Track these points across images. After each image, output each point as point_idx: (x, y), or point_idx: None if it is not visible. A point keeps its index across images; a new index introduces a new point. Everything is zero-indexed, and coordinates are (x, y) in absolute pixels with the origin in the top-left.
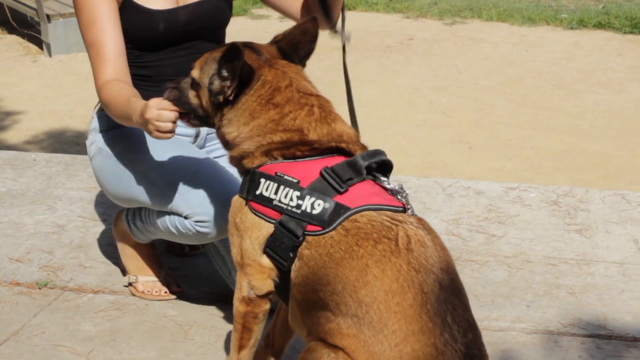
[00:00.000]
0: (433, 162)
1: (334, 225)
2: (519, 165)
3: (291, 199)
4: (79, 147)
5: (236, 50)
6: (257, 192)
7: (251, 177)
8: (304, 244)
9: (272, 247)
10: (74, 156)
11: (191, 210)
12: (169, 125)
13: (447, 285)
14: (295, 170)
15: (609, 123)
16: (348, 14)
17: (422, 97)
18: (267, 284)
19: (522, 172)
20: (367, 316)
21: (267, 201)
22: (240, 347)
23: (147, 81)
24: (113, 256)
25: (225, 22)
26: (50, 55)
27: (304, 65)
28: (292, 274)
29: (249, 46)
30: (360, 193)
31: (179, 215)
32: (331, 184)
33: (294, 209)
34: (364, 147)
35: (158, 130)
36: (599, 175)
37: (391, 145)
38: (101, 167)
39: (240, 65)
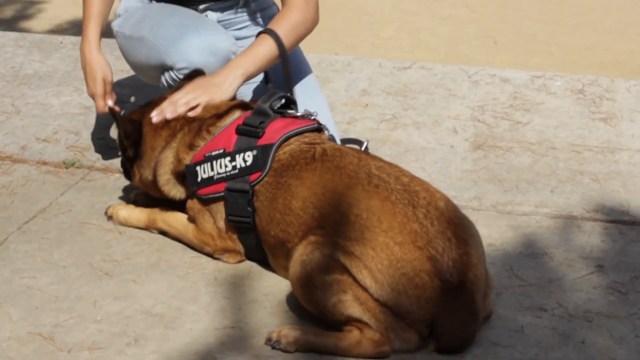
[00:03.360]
0: (457, 56)
1: (269, 163)
2: (543, 60)
3: (226, 166)
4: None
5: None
6: (199, 180)
7: (188, 172)
8: (255, 196)
9: (232, 212)
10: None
11: (172, 61)
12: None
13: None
14: (218, 144)
15: (634, 20)
16: None
17: None
18: (238, 261)
19: (546, 68)
20: (308, 213)
21: (209, 181)
22: None
23: None
24: None
25: None
26: None
27: None
28: (257, 228)
29: (148, 104)
30: (276, 128)
31: (168, 69)
32: (249, 134)
33: (232, 172)
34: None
35: None
36: (623, 72)
37: (415, 39)
38: (120, 47)
39: (125, 131)
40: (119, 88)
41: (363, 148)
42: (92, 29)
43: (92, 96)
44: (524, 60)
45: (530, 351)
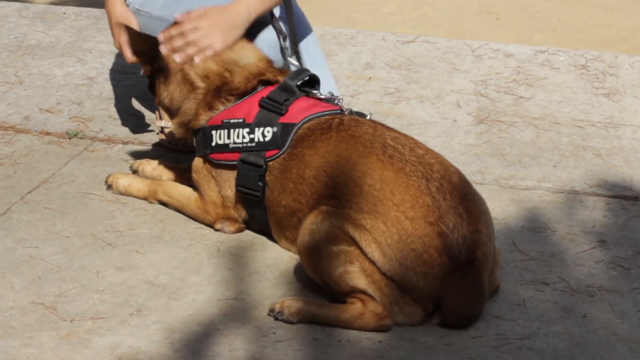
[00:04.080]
0: (459, 32)
1: (288, 143)
2: (546, 37)
3: (243, 137)
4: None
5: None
6: (213, 144)
7: (202, 134)
8: (267, 171)
9: (242, 184)
10: (104, 10)
11: None
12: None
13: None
14: (238, 112)
15: None
16: None
17: None
18: (237, 229)
19: (549, 44)
20: (321, 182)
21: (224, 148)
22: None
23: None
24: (143, 108)
25: None
26: None
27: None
28: (266, 201)
29: None
30: (300, 108)
31: None
32: (272, 110)
33: (249, 144)
34: (284, 72)
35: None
36: (626, 49)
37: (417, 14)
38: (142, 26)
39: (137, 48)
40: (122, 59)
41: None
42: None
43: (120, 47)
44: (526, 36)
45: (532, 325)
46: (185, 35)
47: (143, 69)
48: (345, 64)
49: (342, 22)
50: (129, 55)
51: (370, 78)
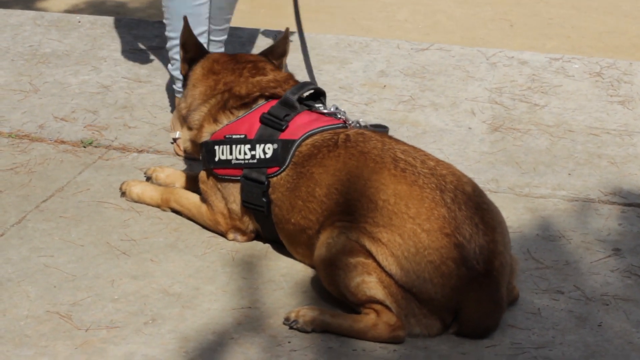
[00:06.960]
0: (473, 39)
1: (288, 159)
2: (560, 44)
3: (245, 153)
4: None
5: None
6: (216, 159)
7: (206, 149)
8: (270, 188)
9: (247, 199)
10: (119, 18)
11: None
12: None
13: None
14: (240, 128)
15: None
16: None
17: None
18: (249, 239)
19: (562, 52)
20: (332, 200)
21: (226, 163)
22: None
23: None
24: (157, 117)
25: None
26: None
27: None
28: (273, 217)
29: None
30: (300, 123)
31: None
32: (272, 126)
33: (250, 161)
34: (296, 83)
35: None
36: (639, 56)
37: (431, 22)
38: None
39: (186, 40)
40: (137, 68)
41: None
42: None
43: None
44: (540, 43)
45: (547, 333)
46: None
47: (182, 67)
48: (359, 72)
49: (357, 30)
50: None
51: (384, 86)
